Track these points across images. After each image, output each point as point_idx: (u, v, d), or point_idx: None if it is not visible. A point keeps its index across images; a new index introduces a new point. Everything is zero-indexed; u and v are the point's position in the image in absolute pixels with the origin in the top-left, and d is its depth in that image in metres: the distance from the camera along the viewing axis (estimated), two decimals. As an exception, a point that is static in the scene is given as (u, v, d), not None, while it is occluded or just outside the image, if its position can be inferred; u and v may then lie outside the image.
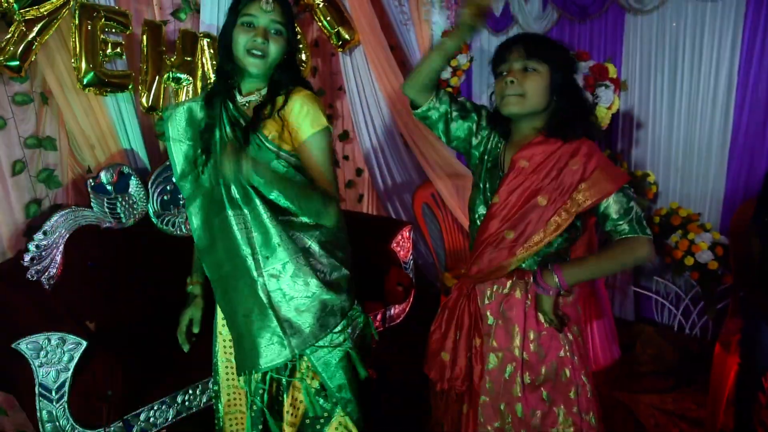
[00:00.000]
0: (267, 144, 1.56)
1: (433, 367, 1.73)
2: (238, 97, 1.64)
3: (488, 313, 1.62)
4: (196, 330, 1.80)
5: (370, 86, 3.74)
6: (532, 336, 1.56)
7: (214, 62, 2.93)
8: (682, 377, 3.03)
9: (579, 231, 1.59)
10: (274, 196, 1.58)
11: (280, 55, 1.58)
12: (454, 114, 1.67)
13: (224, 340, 1.81)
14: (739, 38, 3.25)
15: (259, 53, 1.54)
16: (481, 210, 1.61)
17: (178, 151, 1.66)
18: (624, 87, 3.61)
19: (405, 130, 3.79)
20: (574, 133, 1.52)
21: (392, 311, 3.06)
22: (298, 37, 3.31)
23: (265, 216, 1.56)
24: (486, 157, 1.66)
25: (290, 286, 1.60)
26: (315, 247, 1.63)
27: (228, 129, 1.59)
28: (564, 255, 1.60)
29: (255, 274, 1.58)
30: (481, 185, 1.63)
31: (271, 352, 1.60)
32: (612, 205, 1.49)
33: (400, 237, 3.12)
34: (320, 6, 3.40)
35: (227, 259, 1.60)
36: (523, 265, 1.57)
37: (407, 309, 3.15)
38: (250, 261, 1.58)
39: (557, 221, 1.51)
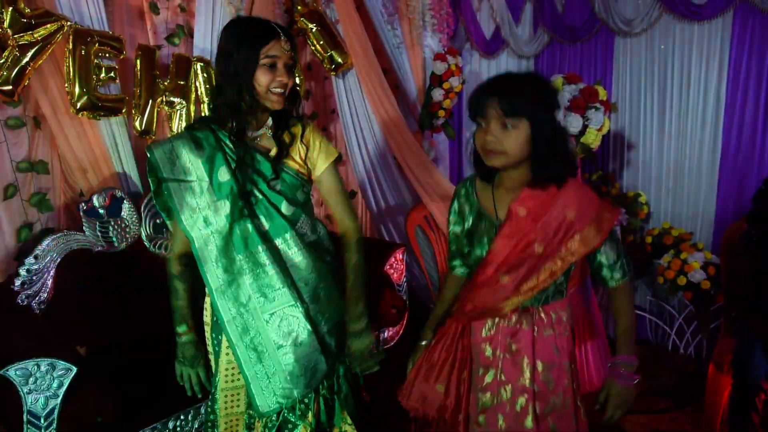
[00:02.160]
0: (290, 172, 1.67)
1: (412, 394, 1.74)
2: (249, 132, 1.65)
3: (487, 346, 1.62)
4: (200, 395, 1.82)
5: (363, 109, 3.76)
6: (541, 367, 1.58)
7: (208, 86, 2.95)
8: (677, 397, 3.02)
9: (573, 266, 1.61)
10: (300, 224, 1.69)
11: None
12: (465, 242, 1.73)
13: (226, 369, 1.78)
14: (726, 60, 3.31)
15: (281, 90, 1.59)
16: (477, 252, 1.63)
17: (179, 193, 1.61)
18: (614, 109, 3.65)
19: (398, 152, 3.81)
20: (562, 176, 1.54)
21: (386, 334, 3.04)
22: None
23: (297, 246, 1.65)
24: (471, 210, 1.68)
25: (325, 308, 1.71)
26: (333, 265, 1.77)
27: (245, 168, 1.62)
28: (561, 289, 1.63)
29: (298, 302, 1.64)
30: (477, 233, 1.65)
31: (319, 371, 1.67)
32: (607, 253, 1.59)
33: (393, 259, 3.12)
34: (313, 30, 3.44)
35: (256, 293, 1.62)
36: (526, 304, 1.59)
37: (401, 331, 3.14)
38: (289, 290, 1.63)
39: (552, 268, 1.54)
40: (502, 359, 1.59)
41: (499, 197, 1.62)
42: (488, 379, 1.60)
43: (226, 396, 1.80)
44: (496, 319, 1.61)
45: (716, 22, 3.31)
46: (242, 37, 1.56)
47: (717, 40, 3.33)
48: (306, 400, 1.68)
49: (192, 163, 1.61)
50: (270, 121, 1.68)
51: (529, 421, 1.56)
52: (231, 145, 1.62)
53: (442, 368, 1.69)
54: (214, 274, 1.62)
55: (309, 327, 1.64)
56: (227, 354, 1.75)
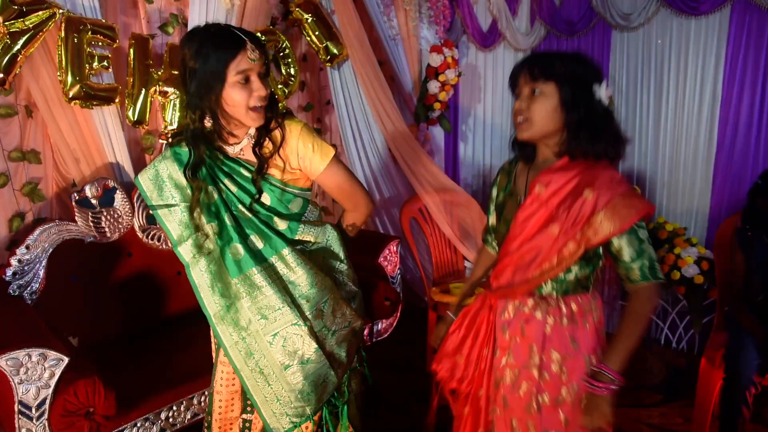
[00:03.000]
0: (276, 184, 1.57)
1: (443, 362, 1.77)
2: (228, 149, 1.58)
3: (506, 327, 1.62)
4: None
5: (358, 101, 3.74)
6: (554, 356, 1.55)
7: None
8: (668, 391, 3.03)
9: (601, 259, 1.56)
10: (299, 235, 1.63)
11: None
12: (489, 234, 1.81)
13: (222, 372, 1.76)
14: (722, 55, 3.30)
15: (262, 104, 1.49)
16: (502, 230, 1.64)
17: (169, 218, 1.58)
18: (610, 103, 3.64)
19: (393, 144, 3.80)
20: (594, 151, 1.46)
21: (379, 326, 3.04)
22: (287, 51, 3.32)
23: (295, 262, 1.57)
24: (506, 186, 1.69)
25: (331, 321, 1.64)
26: (343, 267, 1.72)
27: (227, 183, 1.56)
28: (585, 283, 1.56)
29: (300, 321, 1.56)
30: (504, 211, 1.67)
31: (330, 384, 1.64)
32: (624, 248, 1.45)
33: (387, 251, 3.12)
34: (309, 21, 3.41)
35: (255, 316, 1.56)
36: (544, 291, 1.56)
37: (394, 323, 3.14)
38: (290, 309, 1.55)
39: (567, 251, 1.47)
40: (514, 342, 1.59)
41: (531, 174, 1.60)
42: (503, 362, 1.61)
43: (220, 401, 1.78)
44: (516, 303, 1.59)
45: (713, 17, 3.30)
46: (205, 54, 1.42)
47: (714, 35, 3.32)
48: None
49: (177, 186, 1.57)
50: (252, 130, 1.56)
51: (530, 407, 1.55)
52: (216, 161, 1.55)
53: (463, 343, 1.71)
54: (211, 301, 1.57)
55: (315, 344, 1.57)
56: (222, 363, 1.74)
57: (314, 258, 1.66)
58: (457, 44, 4.25)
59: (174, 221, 1.57)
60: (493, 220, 1.74)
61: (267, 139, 1.56)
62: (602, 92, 1.48)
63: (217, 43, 1.43)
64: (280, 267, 1.57)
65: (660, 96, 3.57)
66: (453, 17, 4.26)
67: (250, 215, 1.56)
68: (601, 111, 1.48)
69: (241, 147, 1.58)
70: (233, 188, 1.56)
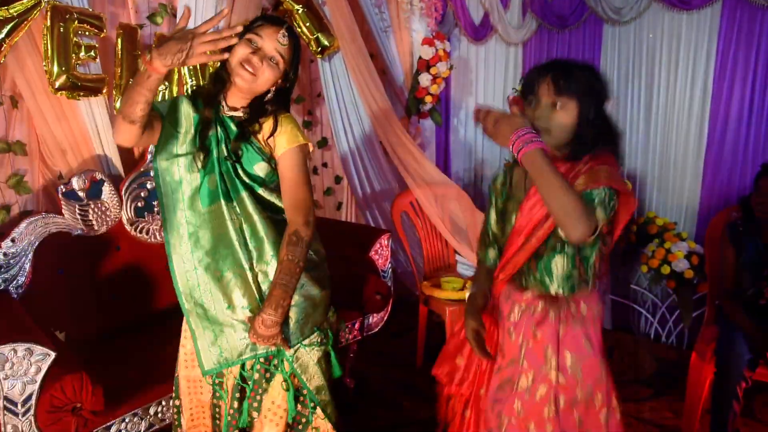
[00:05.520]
0: (255, 148, 1.64)
1: (443, 366, 1.79)
2: (225, 108, 1.66)
3: (512, 330, 1.63)
4: None
5: (349, 93, 3.72)
6: (569, 359, 1.57)
7: (191, 67, 2.90)
8: (658, 386, 3.05)
9: (605, 245, 1.59)
10: (260, 191, 1.65)
11: (270, 83, 1.62)
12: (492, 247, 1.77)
13: (186, 354, 1.79)
14: (713, 50, 3.31)
15: (250, 70, 1.56)
16: (508, 229, 1.65)
17: (171, 138, 1.65)
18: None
19: (384, 137, 3.78)
20: (592, 149, 1.52)
21: (370, 320, 3.03)
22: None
23: (253, 209, 1.63)
24: (508, 189, 1.70)
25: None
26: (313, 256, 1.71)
27: (220, 130, 1.64)
28: (586, 278, 1.59)
29: (247, 266, 1.62)
30: (506, 213, 1.68)
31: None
32: (595, 194, 1.45)
33: (378, 245, 3.10)
34: (299, 11, 3.38)
35: (216, 246, 1.63)
36: (552, 290, 1.58)
37: (385, 318, 3.13)
38: (242, 252, 1.62)
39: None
40: (526, 346, 1.60)
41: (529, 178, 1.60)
42: (510, 365, 1.61)
43: (188, 381, 1.80)
44: (523, 305, 1.61)
45: (705, 12, 3.30)
46: (254, 20, 1.63)
47: (705, 30, 3.33)
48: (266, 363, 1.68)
49: (185, 117, 1.65)
50: (247, 109, 1.66)
51: (547, 411, 1.56)
52: (217, 113, 1.65)
53: (464, 344, 1.74)
54: (175, 224, 1.64)
55: (256, 295, 1.63)
56: (186, 337, 1.78)
57: (279, 225, 1.66)
58: (449, 37, 4.23)
59: (166, 141, 1.65)
60: (495, 228, 1.75)
61: (256, 121, 1.64)
62: (610, 106, 1.56)
63: (267, 17, 1.65)
64: (240, 210, 1.63)
65: (651, 90, 3.58)
66: (445, 10, 4.24)
67: (225, 156, 1.64)
68: (609, 121, 1.56)
69: (233, 115, 1.66)
70: (222, 134, 1.64)
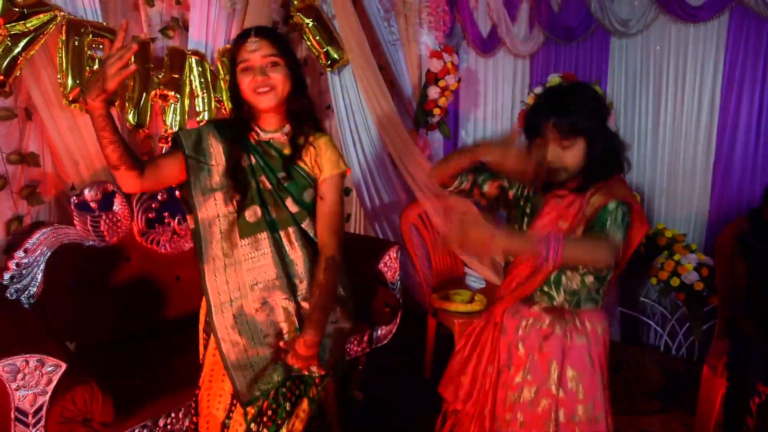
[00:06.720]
0: (302, 173, 1.68)
1: (448, 386, 1.80)
2: (261, 133, 1.69)
3: (520, 345, 1.65)
4: None
5: (358, 106, 3.74)
6: (570, 374, 1.59)
7: (203, 80, 2.93)
8: (668, 399, 3.02)
9: (611, 269, 1.61)
10: (305, 224, 1.67)
11: (286, 80, 1.63)
12: (481, 179, 1.76)
13: (212, 370, 1.75)
14: (721, 62, 3.32)
15: (265, 89, 1.60)
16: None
17: (196, 171, 1.65)
18: (610, 106, 3.65)
19: (393, 149, 3.79)
20: (607, 175, 1.60)
21: (379, 332, 3.02)
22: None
23: (299, 244, 1.65)
24: (523, 203, 1.73)
25: None
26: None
27: (256, 157, 1.66)
28: (596, 296, 1.64)
29: (290, 298, 1.63)
30: (516, 226, 1.71)
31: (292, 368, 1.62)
32: (608, 214, 1.53)
33: (387, 257, 3.10)
34: (309, 25, 3.41)
35: (252, 280, 1.63)
36: (556, 302, 1.62)
37: (394, 330, 3.12)
38: (286, 284, 1.63)
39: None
40: (532, 360, 1.62)
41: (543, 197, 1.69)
42: (518, 378, 1.64)
43: (209, 395, 1.77)
44: (531, 320, 1.64)
45: (712, 24, 3.31)
46: (231, 51, 1.66)
47: (712, 42, 3.33)
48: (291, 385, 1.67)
49: (214, 147, 1.66)
50: (287, 128, 1.69)
51: (549, 423, 1.58)
52: (250, 141, 1.68)
53: (468, 362, 1.76)
54: (211, 256, 1.63)
55: (296, 324, 1.63)
56: (213, 355, 1.73)
57: (316, 256, 1.70)
58: (457, 50, 4.26)
59: (198, 175, 1.65)
60: (487, 186, 1.79)
61: (302, 135, 1.69)
62: (610, 120, 1.63)
63: (234, 40, 1.66)
64: (285, 243, 1.65)
65: (659, 102, 3.58)
66: (453, 23, 4.27)
67: (270, 187, 1.66)
68: (615, 143, 1.61)
69: (273, 135, 1.69)
70: (261, 162, 1.66)
